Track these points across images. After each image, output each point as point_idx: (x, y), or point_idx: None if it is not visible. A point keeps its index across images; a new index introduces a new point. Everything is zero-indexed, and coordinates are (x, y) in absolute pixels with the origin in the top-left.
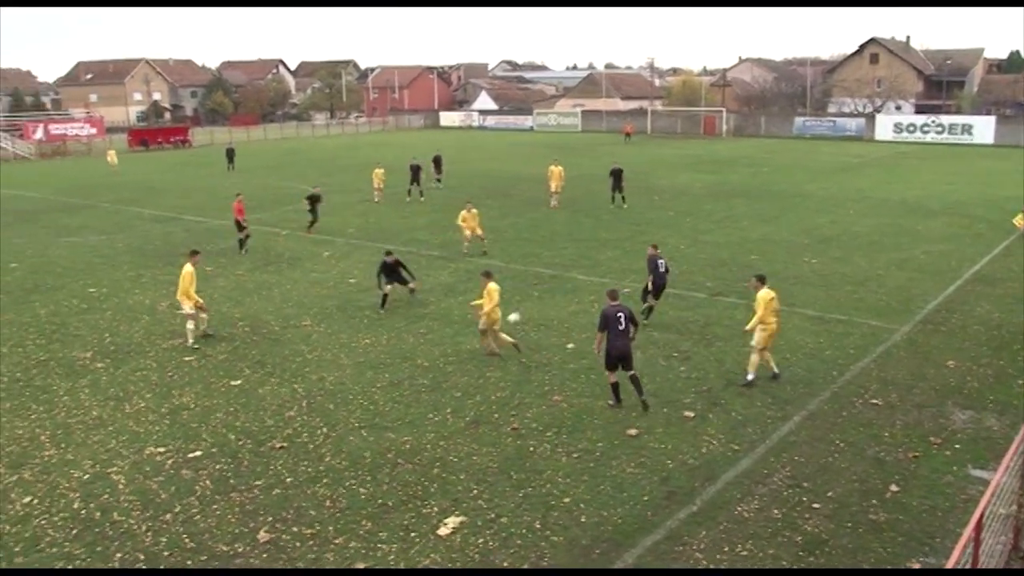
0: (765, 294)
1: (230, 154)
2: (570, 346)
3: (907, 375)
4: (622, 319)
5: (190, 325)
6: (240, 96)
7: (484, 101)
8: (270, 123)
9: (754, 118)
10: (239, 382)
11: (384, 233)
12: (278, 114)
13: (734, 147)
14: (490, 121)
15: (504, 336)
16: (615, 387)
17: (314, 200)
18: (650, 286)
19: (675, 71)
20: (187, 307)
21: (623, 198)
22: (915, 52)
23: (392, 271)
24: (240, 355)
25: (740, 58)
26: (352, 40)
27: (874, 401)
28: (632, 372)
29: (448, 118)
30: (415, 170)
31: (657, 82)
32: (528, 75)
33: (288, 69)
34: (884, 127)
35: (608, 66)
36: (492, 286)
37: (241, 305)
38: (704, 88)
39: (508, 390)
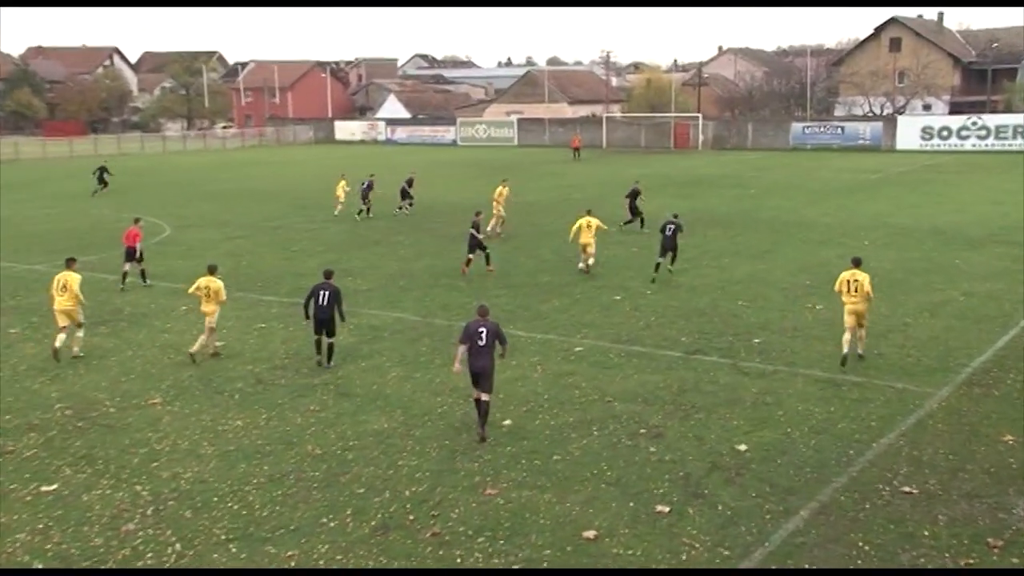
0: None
1: (102, 173)
2: (506, 423)
3: (949, 454)
4: (483, 335)
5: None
6: (57, 96)
7: (392, 107)
8: (103, 133)
9: (739, 126)
10: (54, 487)
11: (262, 277)
12: (114, 121)
13: (713, 163)
14: (400, 133)
15: None
16: (478, 403)
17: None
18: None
19: (637, 67)
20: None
21: (642, 221)
22: (950, 34)
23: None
24: (57, 449)
25: (720, 49)
26: (216, 26)
27: (906, 489)
28: (486, 398)
29: (345, 129)
30: (366, 190)
31: (614, 81)
32: (450, 73)
33: (126, 61)
34: (908, 133)
35: (552, 62)
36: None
37: (60, 380)
38: (675, 88)
39: (426, 483)
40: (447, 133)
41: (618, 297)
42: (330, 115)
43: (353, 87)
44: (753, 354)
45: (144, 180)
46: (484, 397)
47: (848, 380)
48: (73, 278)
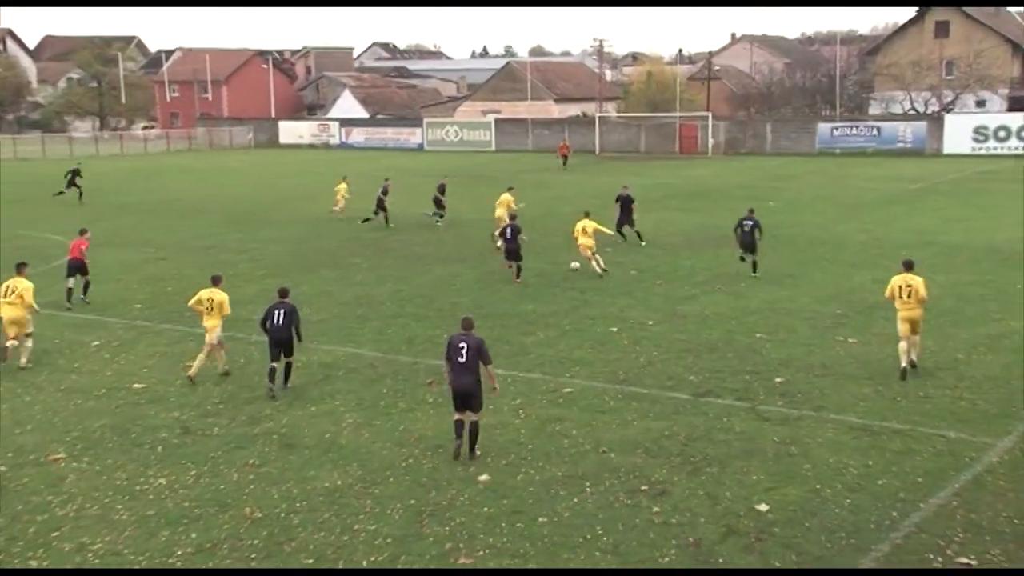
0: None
1: (73, 176)
2: (483, 478)
3: (1014, 518)
4: (464, 351)
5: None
6: None
7: (348, 105)
8: None
9: (756, 127)
10: None
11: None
12: (8, 119)
13: (726, 171)
14: (358, 136)
15: None
16: (458, 425)
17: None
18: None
19: (635, 58)
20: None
21: (638, 233)
22: (1009, 16)
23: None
24: None
25: (734, 36)
26: (134, 7)
27: (963, 560)
28: (474, 418)
29: (291, 131)
30: (381, 197)
31: (609, 75)
32: (415, 66)
33: (22, 45)
34: (958, 134)
35: (535, 52)
36: None
37: None
38: (680, 83)
39: (387, 551)
40: (412, 136)
41: (614, 329)
42: (273, 114)
43: (300, 81)
44: (774, 396)
45: (46, 189)
46: (472, 417)
47: (888, 427)
48: (25, 285)
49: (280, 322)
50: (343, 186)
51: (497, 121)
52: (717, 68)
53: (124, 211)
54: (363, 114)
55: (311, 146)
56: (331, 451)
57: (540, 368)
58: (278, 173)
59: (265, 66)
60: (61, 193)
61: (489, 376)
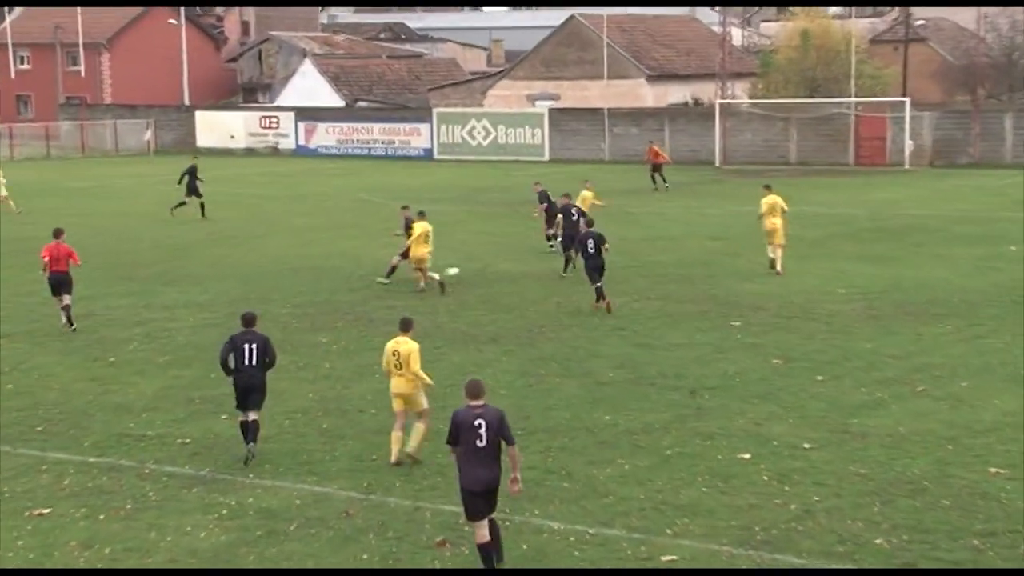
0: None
1: (192, 177)
2: None
3: None
4: (482, 430)
5: None
6: None
7: (309, 86)
8: None
9: (986, 120)
10: None
11: (46, 415)
12: None
13: (934, 193)
14: (326, 136)
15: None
16: (483, 550)
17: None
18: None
19: (781, 11)
20: None
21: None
22: None
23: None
24: None
25: None
26: None
27: None
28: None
29: (216, 127)
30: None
31: (738, 36)
32: (420, 22)
33: None
34: None
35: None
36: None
37: None
38: (857, 48)
39: None
40: (415, 136)
41: (746, 455)
42: (187, 100)
43: (232, 47)
44: None
45: None
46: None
47: None
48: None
49: (251, 360)
50: (421, 226)
51: (553, 113)
52: (920, 23)
53: None
54: (335, 101)
55: (250, 151)
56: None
57: (623, 520)
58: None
59: (174, 21)
60: (182, 204)
61: (512, 462)
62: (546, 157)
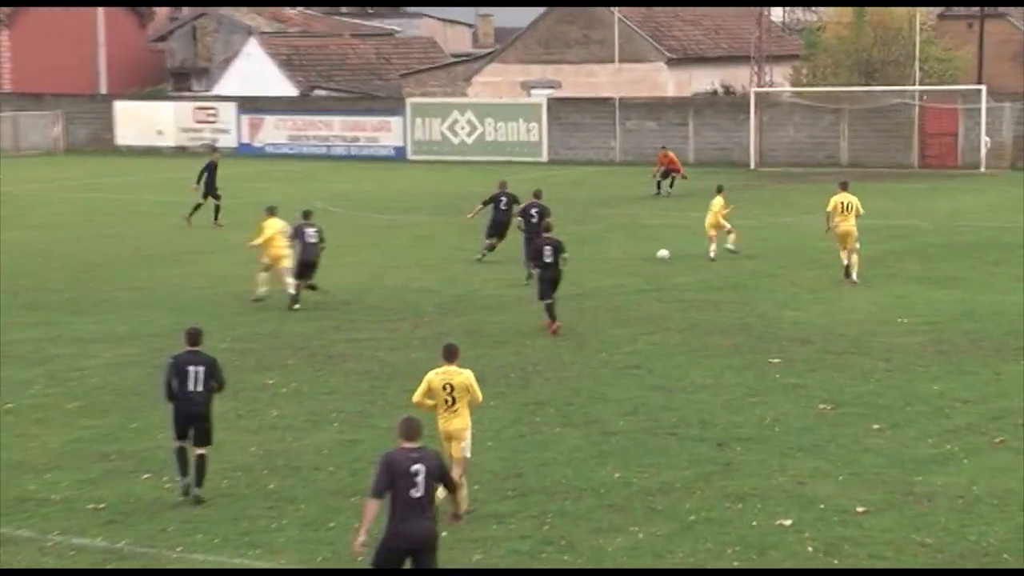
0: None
1: (211, 175)
2: None
3: None
4: (419, 476)
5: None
6: None
7: (255, 71)
8: None
9: None
10: None
11: None
12: None
13: (1014, 202)
14: (273, 131)
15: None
16: None
17: None
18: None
19: None
20: None
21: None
22: None
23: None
24: None
25: None
26: None
27: None
28: None
29: (140, 120)
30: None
31: (778, 12)
32: None
33: None
34: None
35: None
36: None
37: None
38: (922, 26)
39: None
40: (385, 132)
41: (787, 521)
42: (103, 88)
43: (161, 23)
44: None
45: None
46: None
47: None
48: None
49: (197, 387)
50: (272, 224)
51: (553, 103)
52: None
53: None
54: (287, 89)
55: (181, 150)
56: None
57: None
58: (112, 206)
59: None
60: (198, 207)
61: (455, 505)
62: (544, 157)
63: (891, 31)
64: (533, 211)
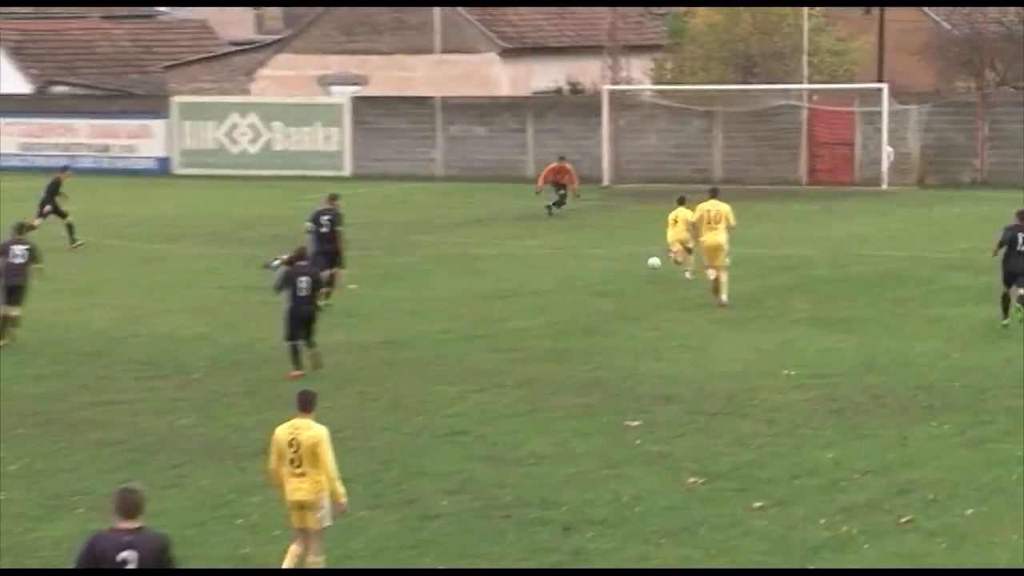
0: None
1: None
2: None
3: None
4: (131, 567)
5: None
6: None
7: None
8: None
9: (998, 117)
10: None
11: None
12: None
13: (921, 227)
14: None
15: None
16: None
17: None
18: None
19: None
20: None
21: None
22: None
23: None
24: None
25: None
26: None
27: None
28: None
29: None
30: None
31: None
32: None
33: None
34: None
35: None
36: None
37: None
38: (810, 13)
39: None
40: (144, 139)
41: None
42: None
43: None
44: None
45: None
46: None
47: None
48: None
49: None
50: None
51: (358, 104)
52: None
53: None
54: (17, 85)
55: None
56: None
57: None
58: None
59: None
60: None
61: None
62: (347, 171)
63: (773, 17)
64: (324, 219)
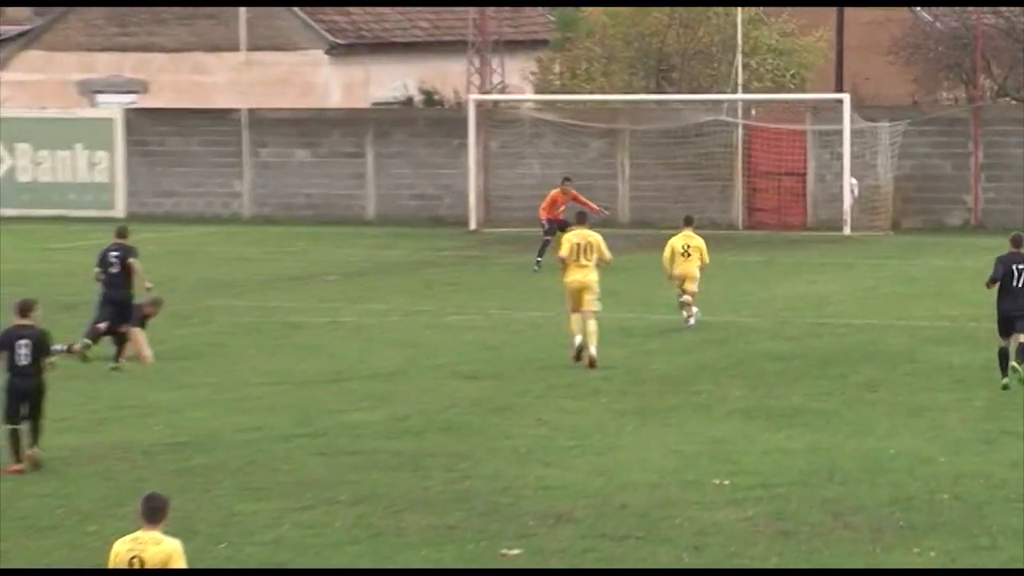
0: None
1: None
2: None
3: None
4: None
5: None
6: None
7: None
8: None
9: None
10: None
11: None
12: None
13: (895, 286)
14: None
15: None
16: None
17: None
18: None
19: None
20: None
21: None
22: None
23: None
24: None
25: None
26: None
27: None
28: None
29: None
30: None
31: None
32: None
33: None
34: None
35: None
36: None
37: None
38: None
39: None
40: None
41: None
42: None
43: None
44: None
45: None
46: None
47: None
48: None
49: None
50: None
51: (134, 118)
52: None
53: None
54: None
55: None
56: None
57: None
58: None
59: None
60: None
61: None
62: (120, 210)
63: (694, 12)
64: (113, 256)
